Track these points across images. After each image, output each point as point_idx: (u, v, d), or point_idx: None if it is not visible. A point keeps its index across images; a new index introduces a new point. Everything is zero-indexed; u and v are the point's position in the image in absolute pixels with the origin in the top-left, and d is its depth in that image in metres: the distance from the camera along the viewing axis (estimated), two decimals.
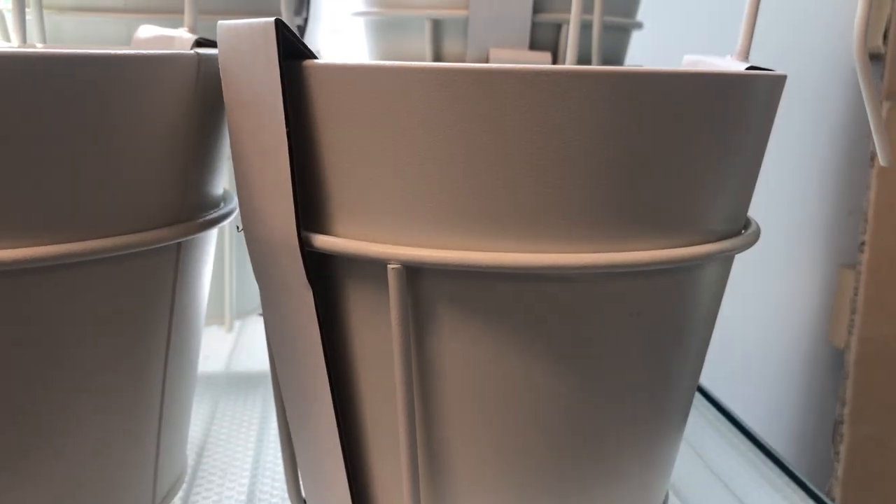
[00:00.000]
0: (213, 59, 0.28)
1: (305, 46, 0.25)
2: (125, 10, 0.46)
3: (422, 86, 0.23)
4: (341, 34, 0.74)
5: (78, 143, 0.24)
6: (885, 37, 0.99)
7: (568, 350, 0.26)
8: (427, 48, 0.49)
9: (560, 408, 0.27)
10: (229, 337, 0.53)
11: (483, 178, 0.24)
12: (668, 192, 0.25)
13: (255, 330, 0.54)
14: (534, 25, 0.47)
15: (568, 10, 0.47)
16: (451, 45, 0.49)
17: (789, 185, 1.07)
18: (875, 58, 1.04)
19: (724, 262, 0.29)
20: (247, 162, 0.26)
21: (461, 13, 0.47)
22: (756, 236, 0.29)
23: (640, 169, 0.24)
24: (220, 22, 0.26)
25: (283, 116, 0.25)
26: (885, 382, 1.02)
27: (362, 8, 0.53)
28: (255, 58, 0.25)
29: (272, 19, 0.24)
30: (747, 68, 0.32)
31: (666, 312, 0.27)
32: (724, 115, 0.25)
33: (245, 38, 0.25)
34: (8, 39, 0.50)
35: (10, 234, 0.24)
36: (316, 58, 0.25)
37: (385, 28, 0.51)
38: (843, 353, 1.06)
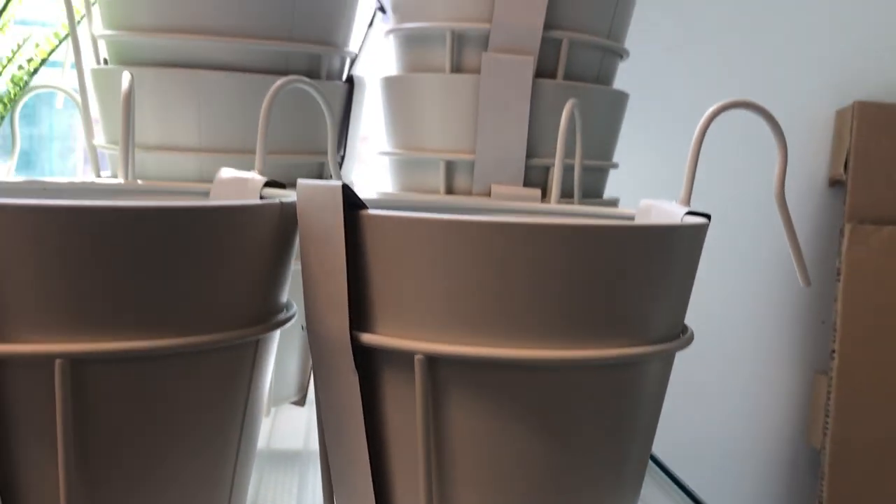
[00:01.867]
0: (290, 205, 0.38)
1: (361, 201, 0.35)
2: (199, 150, 0.57)
3: (437, 233, 0.34)
4: (367, 141, 0.84)
5: (194, 267, 0.34)
6: (846, 165, 1.11)
7: (546, 423, 0.35)
8: (441, 184, 0.59)
9: (541, 467, 0.36)
10: (267, 420, 0.61)
11: (486, 297, 0.34)
12: (618, 309, 0.35)
13: (289, 415, 0.63)
14: (527, 167, 0.58)
15: (554, 155, 0.58)
16: (460, 181, 0.60)
17: (767, 297, 1.17)
18: (837, 184, 1.16)
19: (665, 359, 0.39)
20: (314, 279, 0.37)
21: (469, 157, 0.59)
22: (689, 341, 0.39)
23: (598, 293, 0.34)
24: (299, 181, 0.37)
25: (343, 249, 0.35)
26: (857, 482, 1.09)
27: (388, 149, 0.64)
28: (325, 208, 0.35)
29: (339, 183, 0.35)
30: (686, 213, 0.42)
31: (620, 396, 0.36)
32: (658, 255, 0.36)
33: (319, 194, 0.36)
34: (97, 174, 0.61)
35: (144, 330, 0.33)
36: (367, 207, 0.35)
37: (406, 165, 0.63)
38: (819, 454, 1.13)
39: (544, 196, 0.59)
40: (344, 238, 0.35)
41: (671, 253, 0.36)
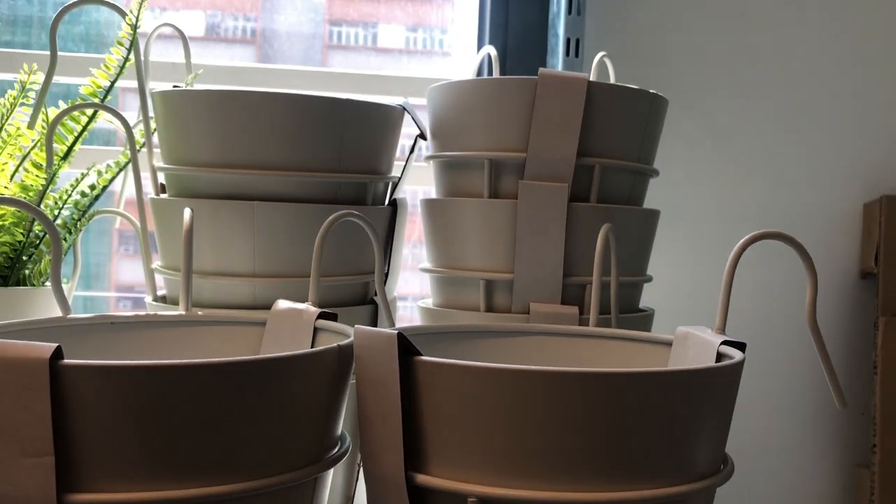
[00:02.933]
0: (346, 347, 0.41)
1: (416, 347, 0.38)
2: (253, 276, 0.60)
3: (488, 380, 0.36)
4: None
5: (262, 414, 0.37)
6: (877, 258, 1.12)
7: None
8: (481, 301, 0.62)
9: None
10: None
11: (536, 442, 0.35)
12: (665, 450, 0.37)
13: None
14: (564, 286, 0.61)
15: (590, 274, 0.61)
16: (499, 299, 0.62)
17: (805, 389, 1.16)
18: (869, 276, 1.16)
19: (707, 491, 0.40)
20: (370, 421, 0.39)
21: (508, 276, 0.61)
22: (729, 474, 0.40)
23: (647, 436, 0.36)
24: (357, 327, 0.40)
25: (398, 394, 0.37)
26: None
27: (429, 265, 0.67)
28: (382, 354, 0.38)
29: (395, 332, 0.37)
30: (722, 342, 0.44)
31: None
32: (701, 396, 0.37)
33: (375, 340, 0.38)
34: (154, 297, 0.65)
35: (215, 475, 0.36)
36: (421, 354, 0.38)
37: (447, 282, 0.65)
38: None
39: (582, 313, 0.61)
40: (399, 384, 0.37)
41: (713, 393, 0.38)
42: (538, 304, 0.60)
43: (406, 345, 0.38)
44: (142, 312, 0.52)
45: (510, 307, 0.61)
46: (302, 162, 0.60)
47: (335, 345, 0.40)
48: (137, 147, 0.68)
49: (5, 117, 0.63)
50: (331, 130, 0.61)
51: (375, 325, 0.64)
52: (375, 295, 0.67)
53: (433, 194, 0.69)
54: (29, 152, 0.65)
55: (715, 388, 0.38)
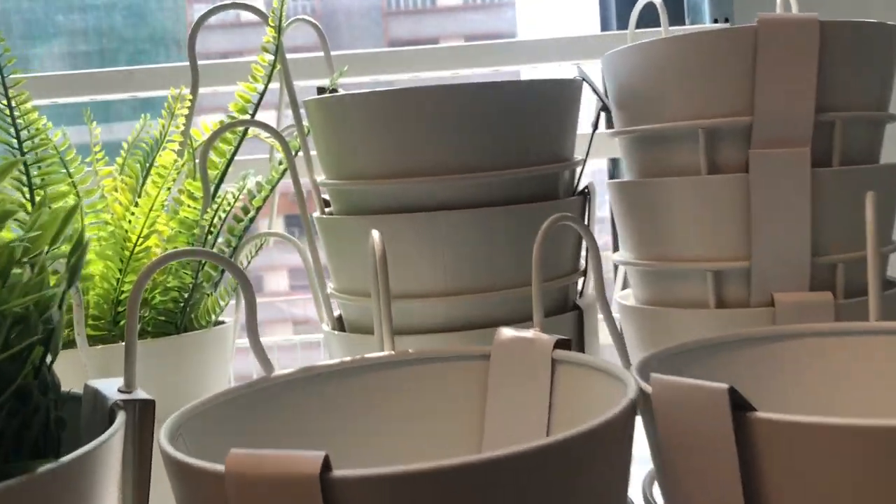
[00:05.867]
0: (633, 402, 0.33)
1: (749, 403, 0.30)
2: (445, 294, 0.53)
3: (853, 445, 0.27)
4: None
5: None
6: None
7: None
8: (710, 296, 0.53)
9: None
10: None
11: None
12: None
13: None
14: (811, 267, 0.51)
15: (839, 252, 0.51)
16: (731, 292, 0.53)
17: None
18: None
19: None
20: (691, 487, 0.31)
21: (742, 264, 0.52)
22: None
23: None
24: (655, 376, 0.32)
25: (736, 457, 0.29)
26: None
27: (629, 258, 0.58)
28: (705, 411, 0.30)
29: (726, 386, 0.29)
30: None
31: None
32: None
33: (694, 395, 0.30)
34: (332, 325, 0.58)
35: None
36: (754, 409, 0.30)
37: (656, 276, 0.57)
38: None
39: (835, 298, 0.51)
40: (736, 448, 0.29)
41: None
42: (784, 294, 0.51)
43: (736, 399, 0.29)
44: (347, 358, 0.45)
45: (748, 300, 0.52)
46: (483, 160, 0.52)
47: (625, 401, 0.32)
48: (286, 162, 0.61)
49: (155, 151, 0.58)
50: (512, 119, 0.53)
51: (581, 334, 0.57)
52: (579, 298, 0.59)
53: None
54: (176, 178, 0.59)
55: None
